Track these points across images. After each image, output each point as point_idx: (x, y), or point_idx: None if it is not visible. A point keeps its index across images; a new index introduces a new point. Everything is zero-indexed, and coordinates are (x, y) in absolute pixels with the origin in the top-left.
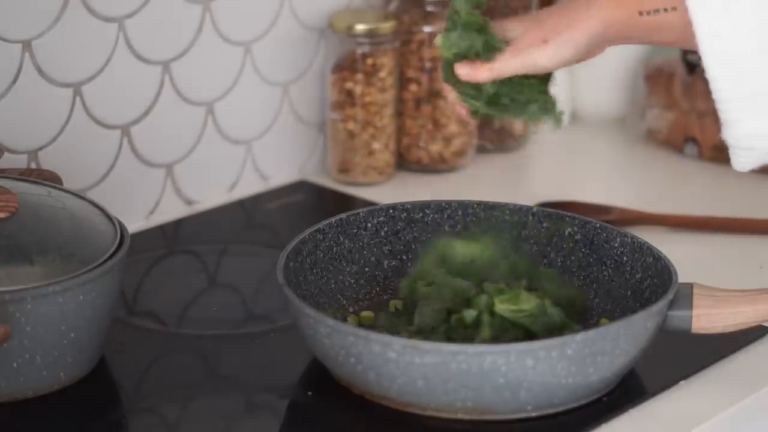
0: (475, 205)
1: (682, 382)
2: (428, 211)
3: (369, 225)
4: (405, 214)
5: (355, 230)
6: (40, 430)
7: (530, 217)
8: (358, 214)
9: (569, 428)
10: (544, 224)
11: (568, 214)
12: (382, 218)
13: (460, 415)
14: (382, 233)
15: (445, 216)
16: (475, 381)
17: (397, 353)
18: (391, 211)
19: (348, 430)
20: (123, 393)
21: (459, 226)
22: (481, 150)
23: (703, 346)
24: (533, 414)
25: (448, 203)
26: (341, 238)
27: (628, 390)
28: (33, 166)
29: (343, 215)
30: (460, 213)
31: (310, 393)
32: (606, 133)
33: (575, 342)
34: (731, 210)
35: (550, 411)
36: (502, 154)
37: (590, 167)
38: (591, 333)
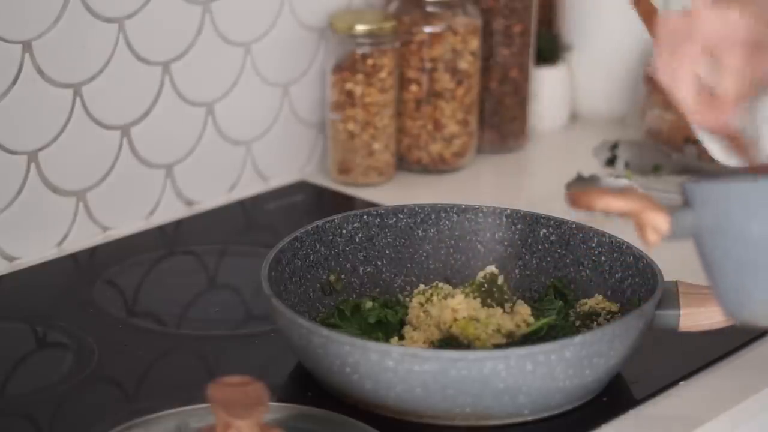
0: (449, 209)
1: (682, 383)
2: (401, 216)
3: (344, 231)
4: (378, 220)
5: (331, 237)
6: (40, 430)
7: (504, 219)
8: (333, 220)
9: (565, 431)
10: (518, 226)
11: (543, 215)
12: (356, 224)
13: (457, 422)
14: (357, 239)
15: (419, 220)
16: (475, 387)
17: (396, 361)
18: (365, 216)
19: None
20: (123, 393)
21: (432, 230)
22: (481, 150)
23: (702, 347)
24: (530, 418)
25: (422, 207)
26: (318, 246)
27: (626, 392)
28: (33, 166)
29: (319, 222)
30: (433, 217)
31: (310, 394)
32: (606, 133)
33: (573, 344)
34: None
35: (546, 414)
36: (502, 154)
37: (590, 167)
38: (588, 335)
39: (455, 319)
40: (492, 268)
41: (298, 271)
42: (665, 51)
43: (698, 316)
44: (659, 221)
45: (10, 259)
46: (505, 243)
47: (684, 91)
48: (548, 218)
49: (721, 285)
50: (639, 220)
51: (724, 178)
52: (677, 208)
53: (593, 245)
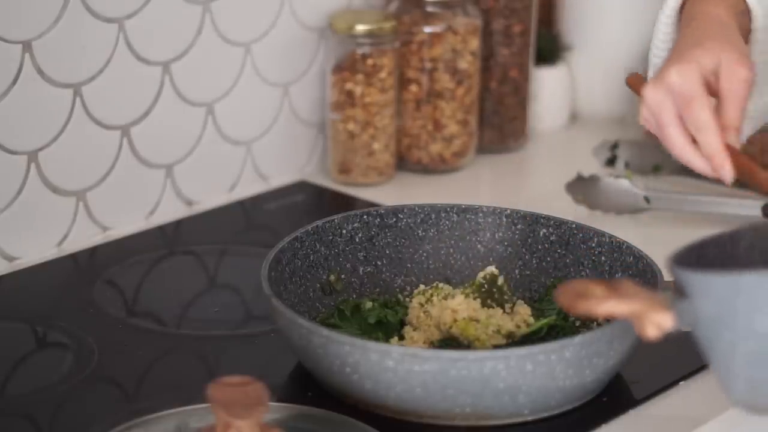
0: (449, 209)
1: (682, 383)
2: (402, 216)
3: (344, 231)
4: (378, 220)
5: (331, 237)
6: (40, 430)
7: (504, 219)
8: (333, 220)
9: (565, 431)
10: (518, 226)
11: (543, 215)
12: (356, 224)
13: (457, 422)
14: (357, 239)
15: (419, 220)
16: (474, 387)
17: (396, 361)
18: (365, 216)
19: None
20: (123, 393)
21: (432, 231)
22: (481, 150)
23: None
24: (530, 418)
25: (422, 207)
26: (318, 246)
27: (626, 392)
28: (33, 166)
29: (319, 222)
30: (433, 217)
31: (310, 394)
32: (606, 133)
33: (573, 345)
34: None
35: (546, 414)
36: (502, 154)
37: (590, 167)
38: (588, 336)
39: (455, 320)
40: (492, 269)
41: (298, 271)
42: (649, 114)
43: None
44: (663, 320)
45: (10, 259)
46: (505, 243)
47: (678, 148)
48: (548, 218)
49: (728, 375)
50: (641, 319)
51: (721, 268)
52: (674, 299)
53: (593, 245)
